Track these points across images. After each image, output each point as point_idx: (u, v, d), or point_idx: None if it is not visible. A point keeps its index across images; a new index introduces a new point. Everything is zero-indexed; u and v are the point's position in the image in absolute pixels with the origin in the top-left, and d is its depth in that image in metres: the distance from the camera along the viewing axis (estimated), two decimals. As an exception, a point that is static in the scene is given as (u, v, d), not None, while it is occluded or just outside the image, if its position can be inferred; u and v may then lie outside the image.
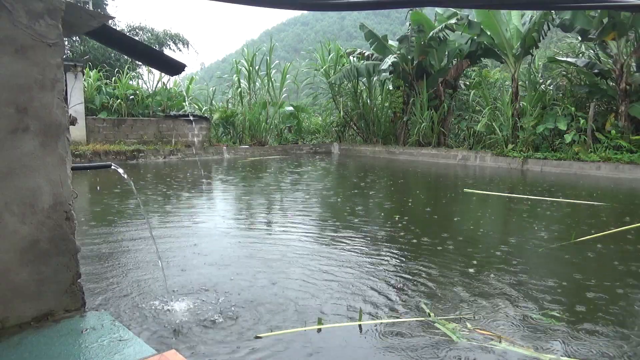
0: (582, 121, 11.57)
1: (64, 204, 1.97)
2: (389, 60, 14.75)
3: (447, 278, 3.76)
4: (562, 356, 2.54)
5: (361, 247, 4.67)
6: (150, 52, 2.93)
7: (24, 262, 1.89)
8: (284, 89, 19.49)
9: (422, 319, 2.99)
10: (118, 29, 20.63)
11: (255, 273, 3.85)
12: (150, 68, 15.94)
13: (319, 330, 2.83)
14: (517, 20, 12.80)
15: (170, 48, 24.27)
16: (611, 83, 12.06)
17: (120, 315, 2.98)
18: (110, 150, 13.22)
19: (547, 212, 6.55)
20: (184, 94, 17.26)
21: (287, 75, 19.18)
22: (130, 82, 16.92)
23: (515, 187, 9.16)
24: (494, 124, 13.30)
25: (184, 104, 17.04)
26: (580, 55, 13.87)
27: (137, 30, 23.81)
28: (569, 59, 13.14)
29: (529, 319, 2.99)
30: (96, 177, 9.76)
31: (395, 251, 4.55)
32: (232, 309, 3.10)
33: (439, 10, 14.55)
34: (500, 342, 2.68)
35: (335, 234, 5.22)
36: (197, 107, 18.34)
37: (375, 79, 17.11)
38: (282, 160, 14.95)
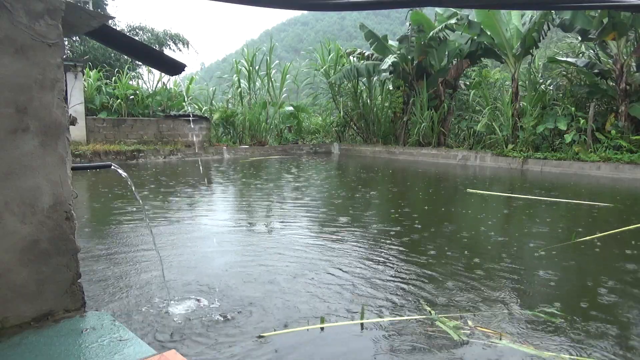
0: (582, 121, 11.57)
1: (64, 204, 1.97)
2: (389, 60, 14.75)
3: (448, 277, 3.76)
4: (562, 354, 2.54)
5: (363, 247, 4.67)
6: (150, 52, 2.93)
7: (24, 262, 1.89)
8: (284, 89, 19.50)
9: (423, 317, 2.99)
10: (118, 29, 20.63)
11: (256, 273, 3.85)
12: (150, 68, 15.96)
13: (322, 329, 2.83)
14: (517, 20, 12.80)
15: (170, 48, 24.29)
16: (611, 83, 12.06)
17: (119, 315, 2.98)
18: (110, 150, 13.22)
19: (547, 212, 6.55)
20: (184, 94, 17.26)
21: (287, 75, 19.19)
22: (130, 82, 16.92)
23: (515, 187, 9.16)
24: (494, 124, 13.30)
25: (184, 104, 17.04)
26: (580, 55, 13.87)
27: (137, 30, 23.82)
28: (569, 59, 13.14)
29: (530, 317, 2.99)
30: (96, 177, 9.76)
31: (396, 250, 4.55)
32: (234, 308, 3.10)
33: (439, 10, 14.55)
34: (500, 339, 2.68)
35: (337, 234, 5.21)
36: (197, 107, 18.34)
37: (375, 79, 17.11)
38: (283, 160, 14.95)
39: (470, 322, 2.91)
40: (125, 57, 19.49)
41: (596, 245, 4.74)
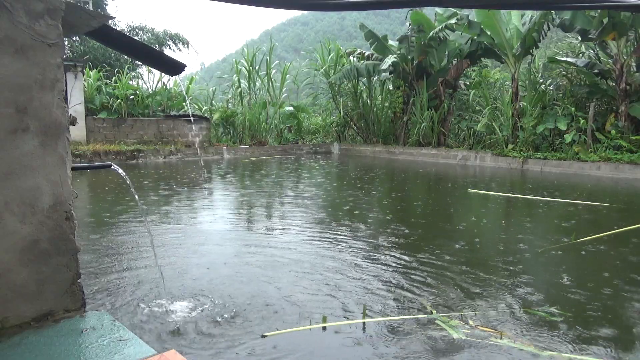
0: (582, 121, 11.56)
1: (64, 204, 1.97)
2: (389, 60, 14.75)
3: (448, 276, 3.76)
4: (562, 353, 2.54)
5: (364, 246, 4.67)
6: (150, 52, 2.93)
7: (24, 262, 1.89)
8: (284, 89, 19.50)
9: (424, 316, 3.00)
10: (118, 29, 20.62)
11: (257, 274, 3.84)
12: (150, 68, 15.96)
13: (324, 328, 2.83)
14: (517, 20, 12.80)
15: (170, 48, 24.29)
16: (611, 83, 12.05)
17: (120, 315, 2.98)
18: (110, 150, 13.22)
19: (547, 212, 6.55)
20: (184, 94, 17.26)
21: (287, 75, 19.19)
22: (130, 82, 16.92)
23: (516, 187, 9.16)
24: (494, 124, 13.30)
25: (184, 104, 17.04)
26: (580, 55, 13.87)
27: (137, 30, 23.82)
28: (569, 59, 13.14)
29: (530, 316, 2.99)
30: (96, 177, 9.76)
31: (397, 249, 4.55)
32: (237, 308, 3.10)
33: (439, 10, 14.55)
34: (501, 338, 2.68)
35: (338, 234, 5.21)
36: (197, 107, 18.35)
37: (375, 79, 17.11)
38: (283, 160, 14.95)
39: (470, 321, 2.91)
40: (125, 57, 19.49)
41: (596, 245, 4.74)
